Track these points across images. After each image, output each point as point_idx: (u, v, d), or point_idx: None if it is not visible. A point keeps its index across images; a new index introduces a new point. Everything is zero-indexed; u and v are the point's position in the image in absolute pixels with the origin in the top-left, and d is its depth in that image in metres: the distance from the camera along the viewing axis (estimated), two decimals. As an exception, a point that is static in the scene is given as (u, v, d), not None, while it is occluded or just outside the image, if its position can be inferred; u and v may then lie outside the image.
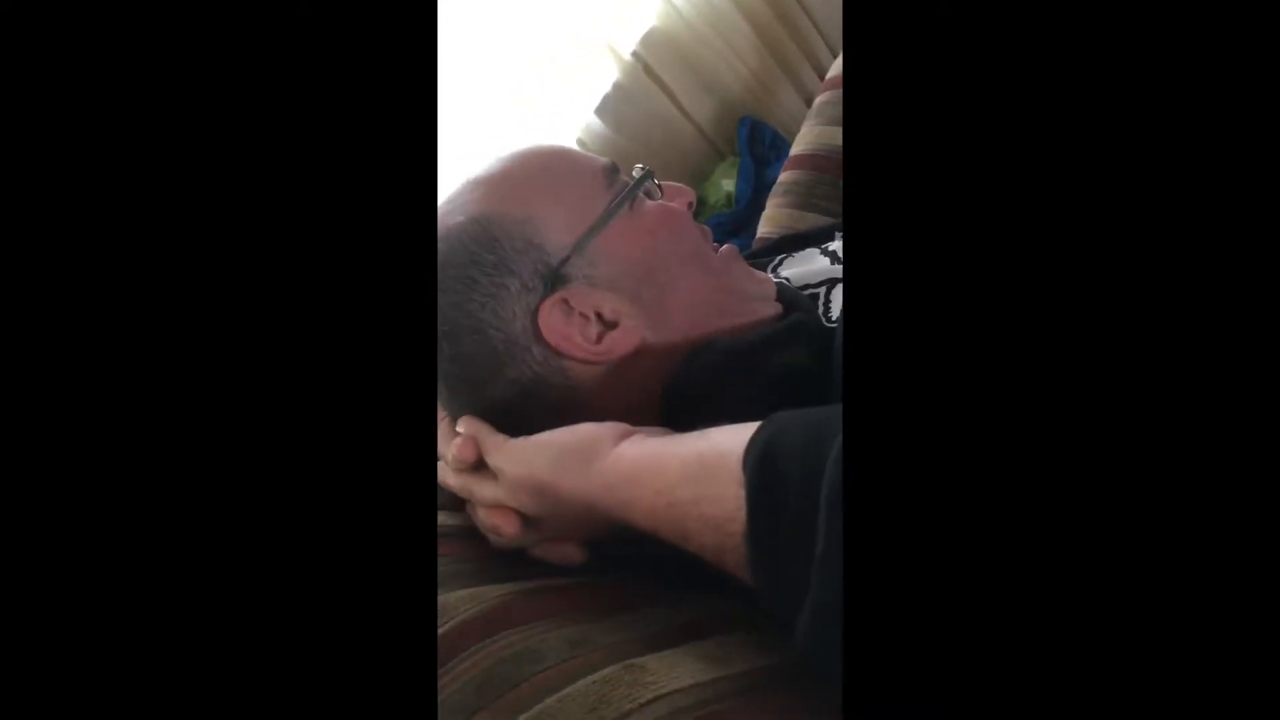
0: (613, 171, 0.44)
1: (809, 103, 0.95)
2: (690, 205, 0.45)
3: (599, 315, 0.41)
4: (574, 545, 0.38)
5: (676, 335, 0.42)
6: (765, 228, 0.82)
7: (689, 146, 1.31)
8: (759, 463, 0.30)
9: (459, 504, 0.42)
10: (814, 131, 0.85)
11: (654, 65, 1.25)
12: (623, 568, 0.37)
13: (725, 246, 0.46)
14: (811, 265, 0.50)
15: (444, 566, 0.38)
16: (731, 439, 0.31)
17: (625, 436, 0.36)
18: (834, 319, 0.44)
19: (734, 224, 1.21)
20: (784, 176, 0.85)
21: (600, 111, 1.22)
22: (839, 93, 0.85)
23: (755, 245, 0.71)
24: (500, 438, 0.39)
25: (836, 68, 0.90)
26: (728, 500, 0.30)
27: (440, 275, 0.41)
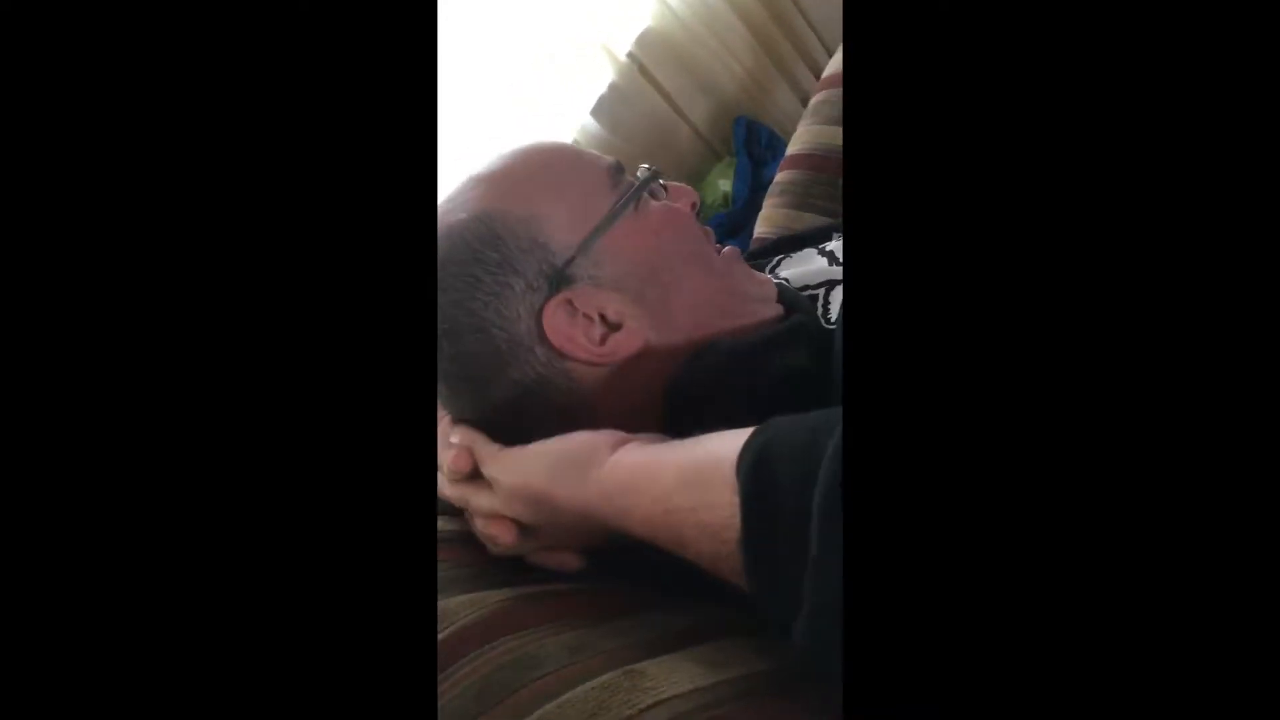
0: (617, 171, 0.43)
1: (805, 102, 0.95)
2: (694, 206, 0.45)
3: (603, 316, 0.41)
4: (571, 553, 0.38)
5: (680, 337, 0.41)
6: (762, 228, 0.82)
7: (685, 147, 1.31)
8: (753, 469, 0.30)
9: (458, 509, 0.42)
10: (810, 131, 0.85)
11: (649, 66, 1.25)
12: (621, 574, 0.37)
13: (727, 248, 0.46)
14: (810, 266, 0.50)
15: (443, 572, 0.38)
16: (726, 446, 0.31)
17: (621, 444, 0.36)
18: (833, 320, 0.44)
19: (731, 224, 1.21)
20: (780, 176, 0.85)
21: (596, 113, 1.22)
22: (835, 92, 0.85)
23: (753, 246, 0.71)
24: (495, 447, 0.39)
25: (832, 67, 0.90)
26: (723, 507, 0.30)
27: (442, 273, 0.41)
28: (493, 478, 0.38)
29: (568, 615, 0.34)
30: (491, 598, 0.35)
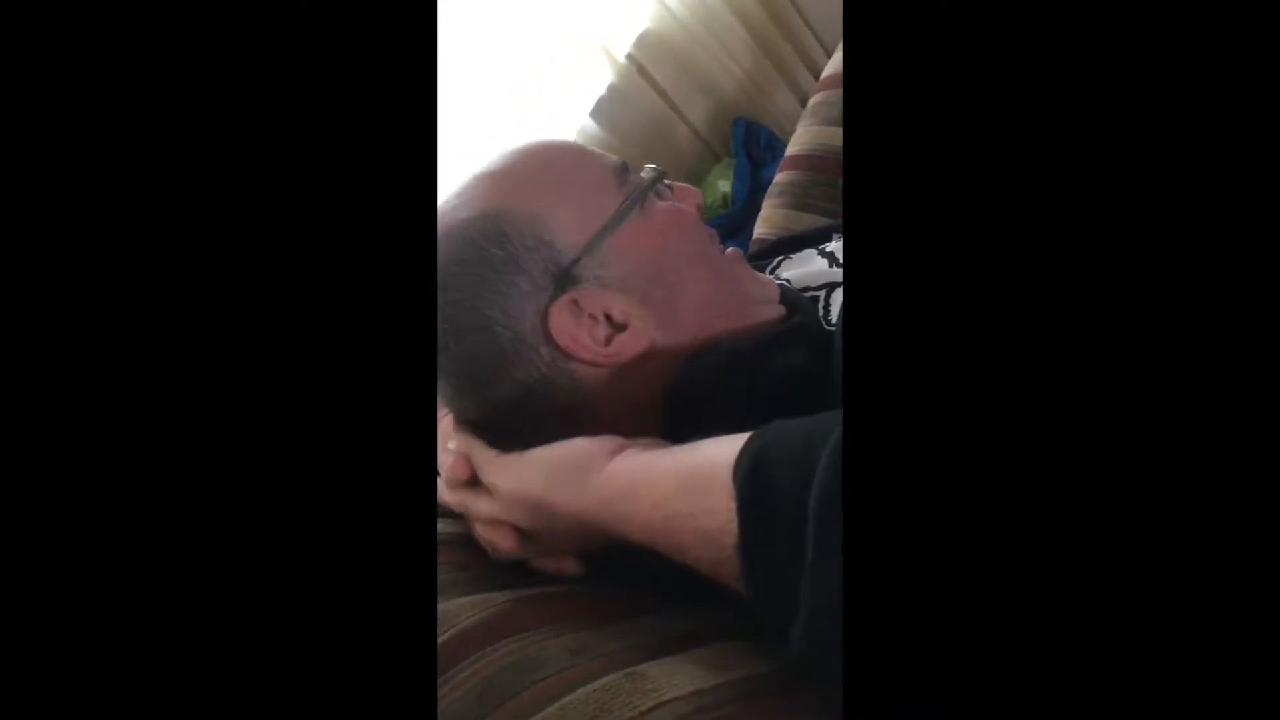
0: (623, 171, 0.43)
1: (804, 103, 0.95)
2: (698, 207, 0.45)
3: (608, 317, 0.40)
4: (570, 557, 0.38)
5: (684, 338, 0.41)
6: (762, 228, 0.82)
7: (684, 148, 1.31)
8: (749, 474, 0.30)
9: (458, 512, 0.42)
10: (809, 132, 0.85)
11: (648, 67, 1.25)
12: (621, 578, 0.37)
13: (730, 249, 0.46)
14: (810, 267, 0.50)
15: (444, 574, 0.38)
16: (722, 451, 0.31)
17: (619, 450, 0.36)
18: (834, 322, 0.44)
19: (731, 225, 1.21)
20: (780, 177, 0.85)
21: (595, 114, 1.22)
22: (834, 93, 0.85)
23: (752, 247, 0.71)
24: (492, 453, 0.39)
25: (831, 68, 0.90)
26: (720, 512, 0.30)
27: (447, 271, 0.40)
28: (491, 484, 0.38)
29: (568, 618, 0.34)
30: (492, 600, 0.35)
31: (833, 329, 0.43)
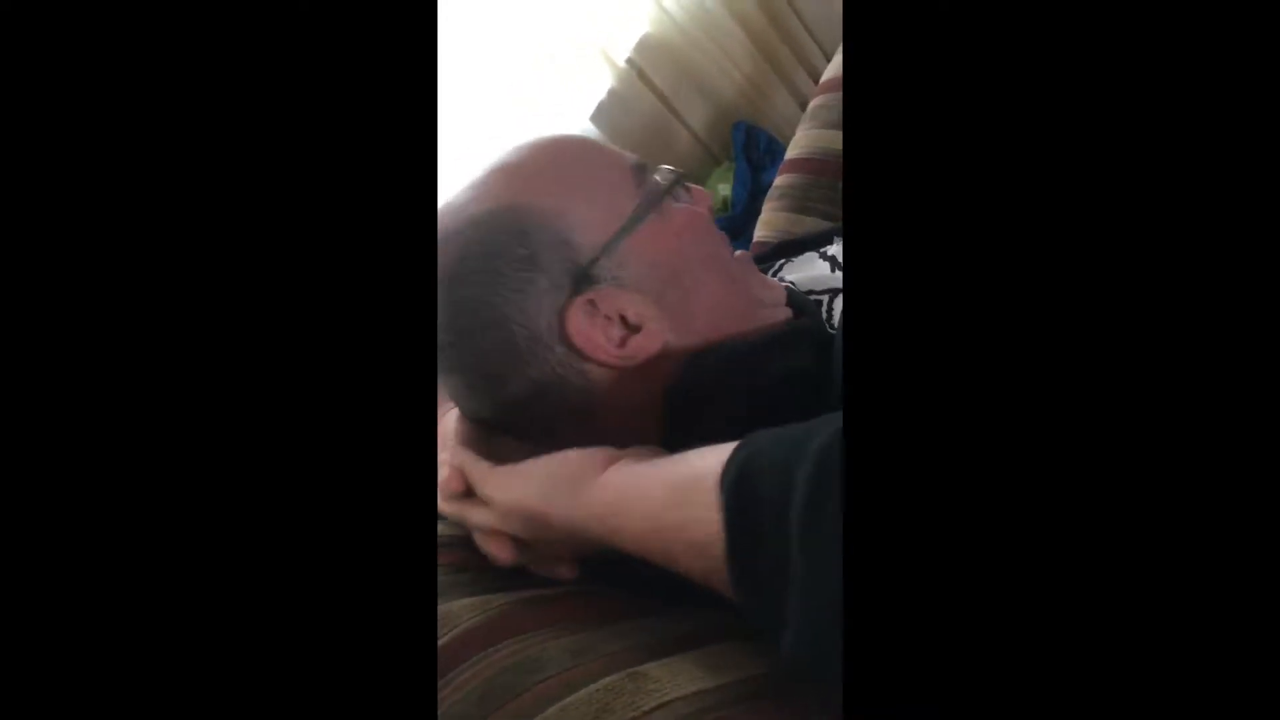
0: (641, 170, 0.43)
1: (803, 106, 0.95)
2: (709, 209, 0.45)
3: (623, 318, 0.40)
4: (567, 563, 0.38)
5: (696, 341, 0.41)
6: (762, 231, 0.82)
7: (684, 152, 1.32)
8: (734, 486, 0.30)
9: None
10: (809, 135, 0.85)
11: (648, 71, 1.26)
12: (622, 580, 0.37)
13: (739, 252, 0.46)
14: (812, 270, 0.50)
15: (445, 576, 0.38)
16: (709, 462, 0.31)
17: (611, 462, 0.36)
18: (837, 325, 0.44)
19: (731, 229, 1.21)
20: (780, 180, 0.85)
21: (595, 118, 1.22)
22: (833, 96, 0.85)
23: (753, 250, 0.71)
24: (485, 465, 0.39)
25: (830, 71, 0.90)
26: (708, 524, 0.30)
27: (463, 265, 0.40)
28: (486, 496, 0.38)
29: (569, 619, 0.34)
30: (494, 602, 0.35)
31: (834, 333, 0.43)
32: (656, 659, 0.32)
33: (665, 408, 0.41)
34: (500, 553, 0.38)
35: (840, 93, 0.84)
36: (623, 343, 0.40)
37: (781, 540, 0.28)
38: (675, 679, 0.30)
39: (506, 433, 0.42)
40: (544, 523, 0.36)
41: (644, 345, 0.40)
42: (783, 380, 0.40)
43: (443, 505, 0.41)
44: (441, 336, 0.40)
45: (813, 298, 0.47)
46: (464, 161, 0.49)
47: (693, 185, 0.45)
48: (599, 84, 1.23)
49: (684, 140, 1.31)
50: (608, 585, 0.37)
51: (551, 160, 0.42)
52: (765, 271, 0.52)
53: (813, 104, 0.88)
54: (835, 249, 0.52)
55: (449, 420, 0.44)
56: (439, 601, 0.35)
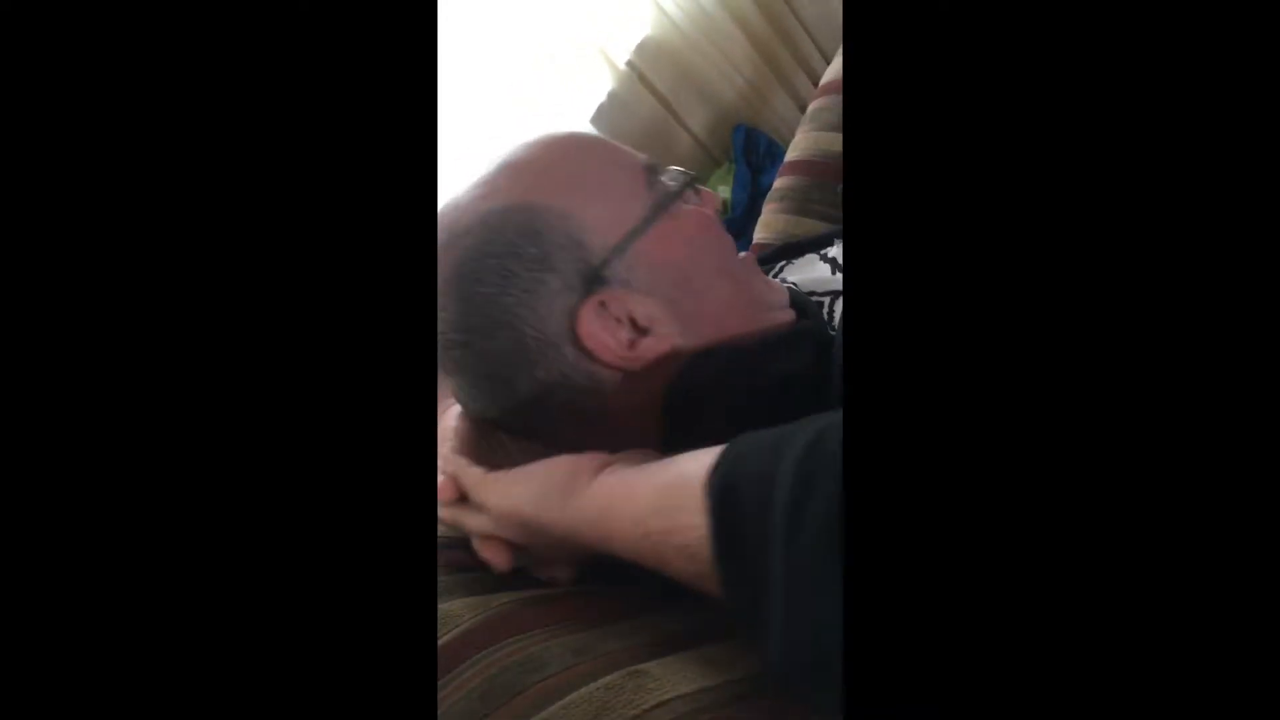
0: (653, 170, 0.43)
1: (803, 109, 0.95)
2: (717, 211, 0.45)
3: (633, 320, 0.40)
4: (563, 566, 0.38)
5: (704, 343, 0.41)
6: (762, 234, 0.82)
7: (684, 154, 1.32)
8: (720, 489, 0.30)
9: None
10: (809, 138, 0.85)
11: (649, 74, 1.26)
12: (621, 580, 0.37)
13: (744, 254, 0.46)
14: (812, 273, 0.51)
15: (445, 576, 0.38)
16: (696, 466, 0.32)
17: (603, 467, 0.36)
18: (838, 327, 0.45)
19: (731, 231, 1.20)
20: (780, 183, 0.85)
21: (596, 121, 1.22)
22: (832, 99, 0.85)
23: (753, 252, 0.71)
24: (479, 471, 0.39)
25: (830, 74, 0.91)
26: (695, 528, 0.30)
27: (474, 264, 0.39)
28: (480, 503, 0.38)
29: (570, 618, 0.35)
30: (494, 601, 0.35)
31: (836, 335, 0.43)
32: (657, 657, 0.32)
33: (665, 407, 0.41)
34: (496, 558, 0.38)
35: (839, 95, 0.85)
36: (632, 345, 0.40)
37: (763, 543, 0.28)
38: (675, 677, 0.30)
39: (508, 433, 0.42)
40: (538, 528, 0.37)
41: (653, 348, 0.40)
42: (783, 381, 0.40)
43: (439, 512, 0.41)
44: (449, 335, 0.40)
45: (814, 299, 0.47)
46: (464, 161, 0.49)
47: (702, 187, 0.45)
48: (599, 85, 1.23)
49: (684, 143, 1.32)
50: (607, 585, 0.38)
51: (564, 158, 0.42)
52: (766, 273, 0.52)
53: (812, 106, 0.88)
54: (835, 251, 0.52)
55: (447, 419, 0.44)
56: (440, 601, 0.35)
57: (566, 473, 0.36)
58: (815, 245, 0.54)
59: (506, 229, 0.39)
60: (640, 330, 0.40)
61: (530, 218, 0.40)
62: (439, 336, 0.40)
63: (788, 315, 0.44)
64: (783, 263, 0.54)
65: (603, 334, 0.39)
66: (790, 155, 0.87)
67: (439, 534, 0.41)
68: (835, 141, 0.83)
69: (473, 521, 0.39)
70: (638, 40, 1.24)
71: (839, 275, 0.49)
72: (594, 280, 0.40)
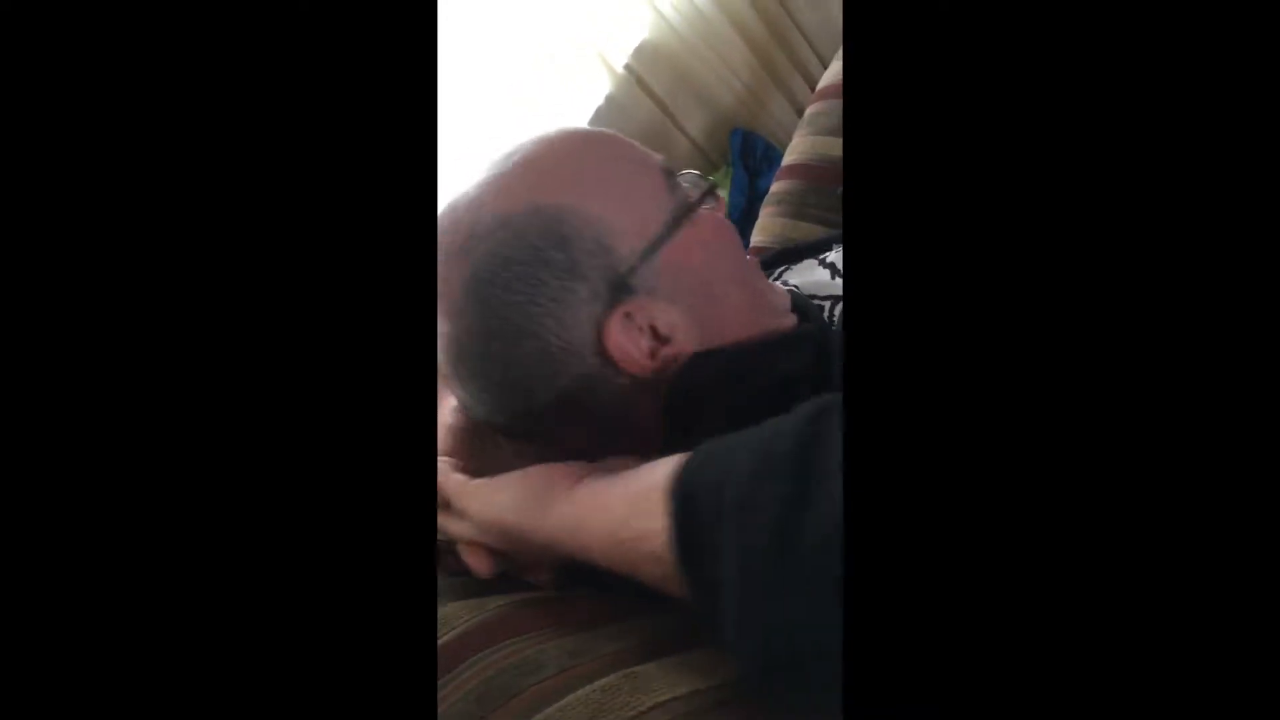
0: (670, 174, 0.42)
1: (800, 113, 0.95)
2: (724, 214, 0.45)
3: (654, 329, 0.39)
4: (544, 571, 0.39)
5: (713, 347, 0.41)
6: (759, 237, 0.82)
7: (682, 158, 1.32)
8: (680, 498, 0.31)
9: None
10: (806, 142, 0.86)
11: (646, 78, 1.26)
12: (610, 585, 0.38)
13: (749, 258, 0.45)
14: (811, 277, 0.51)
15: (442, 578, 0.38)
16: (662, 473, 0.32)
17: (583, 477, 0.36)
18: (838, 331, 0.45)
19: (728, 233, 1.21)
20: (777, 186, 0.85)
21: (593, 124, 1.22)
22: (830, 103, 0.86)
23: (754, 256, 0.71)
24: (460, 478, 0.39)
25: (827, 78, 0.91)
26: (661, 533, 0.31)
27: (496, 268, 0.38)
28: (462, 510, 0.38)
29: (566, 620, 0.35)
30: (489, 603, 0.35)
31: (836, 338, 0.43)
32: (653, 659, 0.32)
33: (665, 407, 0.41)
34: (478, 564, 0.38)
35: (836, 99, 0.85)
36: (653, 354, 0.39)
37: (717, 548, 0.29)
38: (671, 679, 0.30)
39: (508, 436, 0.42)
40: (518, 536, 0.37)
41: (672, 357, 0.40)
42: (784, 383, 0.40)
43: None
44: (465, 340, 0.39)
45: (815, 302, 0.47)
46: (464, 161, 0.49)
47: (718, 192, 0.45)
48: (598, 82, 1.23)
49: (682, 146, 1.32)
50: (597, 589, 0.38)
51: (585, 159, 0.41)
52: (767, 277, 0.52)
53: (809, 110, 0.89)
54: (833, 256, 0.52)
55: (441, 415, 0.44)
56: (437, 603, 0.35)
57: (545, 482, 0.37)
58: (814, 250, 0.54)
59: (529, 232, 0.38)
60: (661, 339, 0.39)
61: (555, 222, 0.38)
62: (454, 341, 0.39)
63: (791, 319, 0.44)
64: (783, 267, 0.54)
65: (628, 345, 0.39)
66: (787, 159, 0.87)
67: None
68: (832, 146, 0.83)
69: (454, 527, 0.39)
70: (635, 44, 1.24)
71: (838, 280, 0.49)
72: (620, 289, 0.39)
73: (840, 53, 0.92)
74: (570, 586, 0.38)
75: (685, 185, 0.42)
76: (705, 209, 0.42)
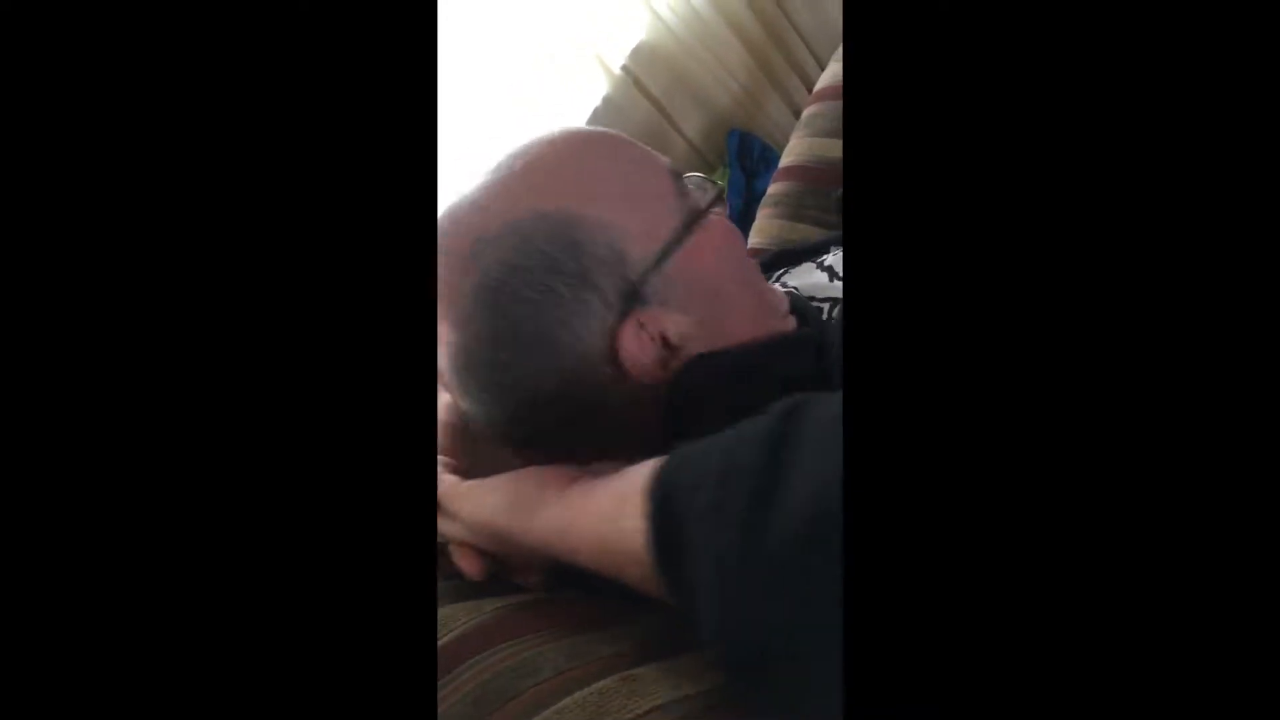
0: (677, 177, 0.41)
1: (797, 115, 0.95)
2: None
3: (664, 338, 0.38)
4: (534, 573, 0.38)
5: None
6: (756, 238, 0.83)
7: (679, 159, 1.32)
8: (658, 500, 0.31)
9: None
10: (803, 143, 0.86)
11: (643, 79, 1.26)
12: (601, 588, 0.38)
13: (750, 261, 0.45)
14: (809, 280, 0.51)
15: (441, 580, 0.38)
16: (642, 475, 0.32)
17: (572, 480, 0.36)
18: (837, 333, 0.45)
19: (725, 235, 1.21)
20: (774, 188, 0.85)
21: (591, 125, 1.22)
22: (827, 105, 0.86)
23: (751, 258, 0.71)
24: (452, 479, 0.39)
25: (825, 80, 0.91)
26: (641, 534, 0.31)
27: (506, 275, 0.37)
28: (453, 512, 0.38)
29: (564, 623, 0.35)
30: (488, 605, 0.36)
31: (835, 340, 0.44)
32: (650, 662, 0.32)
33: (666, 408, 0.40)
34: (469, 566, 0.38)
35: (834, 101, 0.85)
36: (663, 364, 0.39)
37: (691, 548, 0.29)
38: (668, 682, 0.31)
39: (507, 439, 0.41)
40: (509, 539, 0.37)
41: (678, 362, 0.39)
42: (784, 384, 0.40)
43: None
44: (473, 347, 0.38)
45: (815, 304, 0.47)
46: (464, 161, 0.48)
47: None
48: (598, 83, 1.23)
49: (679, 148, 1.32)
50: (586, 592, 0.38)
51: (593, 161, 0.40)
52: (767, 279, 0.52)
53: (807, 112, 0.89)
54: (831, 259, 0.52)
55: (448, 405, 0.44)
56: (436, 605, 0.35)
57: (536, 485, 0.37)
58: (811, 253, 0.54)
59: (538, 237, 0.37)
60: (671, 348, 0.39)
61: (564, 226, 0.37)
62: (462, 350, 0.39)
63: (790, 321, 0.44)
64: (782, 269, 0.54)
65: (639, 355, 0.38)
66: (784, 161, 0.87)
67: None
68: (830, 147, 0.83)
69: (445, 529, 0.39)
70: (633, 45, 1.24)
71: (836, 283, 0.49)
72: (632, 298, 0.38)
73: (837, 54, 0.92)
74: (559, 589, 0.38)
75: (693, 188, 0.42)
76: (714, 217, 0.42)
